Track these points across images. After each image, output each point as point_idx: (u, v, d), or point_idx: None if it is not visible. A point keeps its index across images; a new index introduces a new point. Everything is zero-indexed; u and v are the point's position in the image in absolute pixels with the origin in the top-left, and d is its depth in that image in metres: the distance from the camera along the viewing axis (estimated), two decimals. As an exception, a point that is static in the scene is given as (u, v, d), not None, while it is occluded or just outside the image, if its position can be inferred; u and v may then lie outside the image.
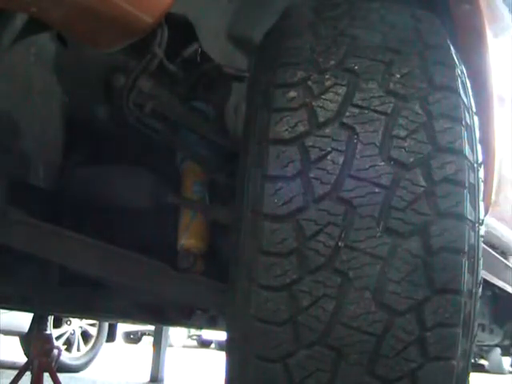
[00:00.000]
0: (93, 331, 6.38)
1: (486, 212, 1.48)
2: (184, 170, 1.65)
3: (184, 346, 18.05)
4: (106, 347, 6.80)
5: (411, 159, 1.04)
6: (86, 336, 6.36)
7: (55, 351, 3.92)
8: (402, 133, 1.05)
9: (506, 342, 3.81)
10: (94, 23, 0.96)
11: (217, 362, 9.52)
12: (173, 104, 1.56)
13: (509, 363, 10.98)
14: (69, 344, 6.18)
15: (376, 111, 1.06)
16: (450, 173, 1.04)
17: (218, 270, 1.61)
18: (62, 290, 2.00)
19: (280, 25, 1.22)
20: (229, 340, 1.15)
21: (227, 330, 1.18)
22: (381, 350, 0.99)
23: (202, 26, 1.55)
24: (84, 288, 2.01)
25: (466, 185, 1.05)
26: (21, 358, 5.80)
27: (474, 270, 1.08)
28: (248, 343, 1.02)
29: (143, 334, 17.41)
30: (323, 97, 1.07)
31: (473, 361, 1.18)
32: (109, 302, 2.23)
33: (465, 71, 1.20)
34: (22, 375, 3.74)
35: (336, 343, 0.99)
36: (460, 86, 1.12)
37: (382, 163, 1.03)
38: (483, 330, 3.45)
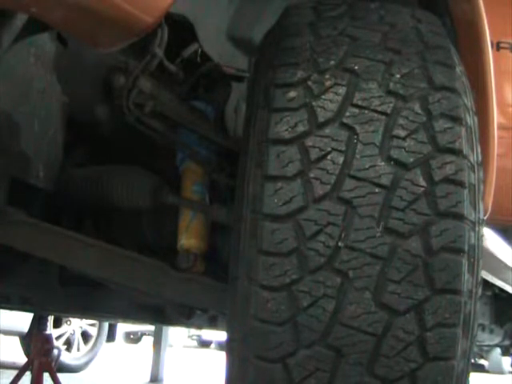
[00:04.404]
0: (93, 331, 6.38)
1: (486, 212, 1.48)
2: (184, 170, 1.65)
3: (184, 346, 18.07)
4: (106, 347, 6.81)
5: (411, 159, 1.04)
6: (86, 336, 6.36)
7: (55, 351, 3.93)
8: (402, 133, 1.05)
9: (506, 342, 3.82)
10: (94, 23, 0.95)
11: (217, 362, 9.53)
12: (173, 104, 1.56)
13: (509, 363, 10.98)
14: (69, 344, 6.19)
15: (376, 111, 1.06)
16: (450, 173, 1.04)
17: (218, 270, 1.61)
18: (62, 290, 2.00)
19: (280, 25, 1.22)
20: (229, 340, 1.15)
21: (227, 330, 1.18)
22: (381, 350, 0.99)
23: (202, 26, 1.55)
24: (84, 288, 2.01)
25: (466, 185, 1.05)
26: (21, 358, 5.81)
27: (474, 270, 1.08)
28: (248, 343, 1.02)
29: (143, 334, 17.43)
30: (323, 97, 1.07)
31: (473, 361, 1.18)
32: (109, 301, 2.23)
33: (465, 71, 1.20)
34: (22, 375, 3.75)
35: (336, 343, 0.99)
36: (460, 86, 1.12)
37: (382, 163, 1.03)
38: (483, 329, 3.46)
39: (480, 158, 1.19)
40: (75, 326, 6.24)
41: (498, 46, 2.06)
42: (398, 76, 1.09)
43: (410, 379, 0.99)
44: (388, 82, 1.08)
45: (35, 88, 1.45)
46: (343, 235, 1.01)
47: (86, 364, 6.35)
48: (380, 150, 1.04)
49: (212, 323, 2.50)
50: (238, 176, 1.27)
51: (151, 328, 10.28)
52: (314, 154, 1.04)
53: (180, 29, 1.51)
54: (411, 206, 1.02)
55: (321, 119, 1.05)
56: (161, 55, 1.45)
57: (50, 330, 5.45)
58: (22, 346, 6.06)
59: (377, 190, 1.02)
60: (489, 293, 3.22)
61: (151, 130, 1.54)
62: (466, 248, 1.03)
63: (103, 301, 2.21)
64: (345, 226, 1.01)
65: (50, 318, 5.50)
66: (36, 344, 3.72)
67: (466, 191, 1.04)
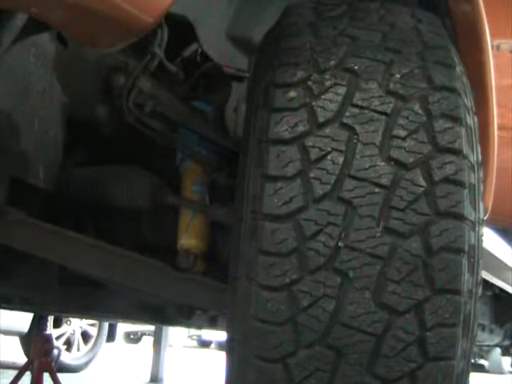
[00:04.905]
0: (93, 331, 6.38)
1: (486, 212, 1.48)
2: (184, 170, 1.66)
3: (184, 346, 18.08)
4: (106, 347, 6.81)
5: (411, 159, 1.04)
6: (86, 336, 6.36)
7: (55, 351, 3.93)
8: (402, 133, 1.05)
9: (506, 342, 3.82)
10: (94, 23, 0.96)
11: (217, 362, 9.54)
12: (173, 104, 1.56)
13: (509, 363, 10.99)
14: (69, 344, 6.19)
15: (376, 111, 1.06)
16: (450, 173, 1.04)
17: (218, 270, 1.61)
18: (61, 290, 2.00)
19: (280, 25, 1.22)
20: (229, 340, 1.15)
21: (227, 330, 1.18)
22: (381, 350, 0.99)
23: (202, 26, 1.55)
24: (84, 288, 2.01)
25: (466, 185, 1.05)
26: (21, 358, 5.81)
27: (474, 270, 1.08)
28: (248, 343, 1.02)
29: (143, 334, 17.44)
30: (323, 97, 1.07)
31: (473, 361, 1.18)
32: (109, 301, 2.23)
33: (465, 71, 1.20)
34: (22, 375, 3.75)
35: (336, 343, 0.99)
36: (460, 86, 1.12)
37: (382, 163, 1.03)
38: (483, 329, 3.46)
39: (480, 158, 1.19)
40: (75, 325, 6.24)
41: (498, 48, 2.06)
42: (398, 76, 1.09)
43: (410, 379, 0.99)
44: (388, 82, 1.08)
45: (35, 88, 1.45)
46: (343, 235, 1.01)
47: (86, 364, 6.35)
48: (380, 149, 1.04)
49: (212, 323, 2.50)
50: (238, 176, 1.27)
51: (151, 328, 10.29)
52: (314, 154, 1.04)
53: (180, 29, 1.51)
54: (411, 205, 1.02)
55: (321, 119, 1.05)
56: (161, 55, 1.45)
57: (50, 330, 5.45)
58: (22, 346, 6.06)
59: (377, 190, 1.02)
60: (489, 293, 3.22)
61: (151, 130, 1.54)
62: (466, 248, 1.03)
63: (103, 301, 2.21)
64: (345, 226, 1.01)
65: (50, 318, 5.50)
66: (36, 344, 3.72)
67: (465, 191, 1.04)
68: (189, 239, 1.60)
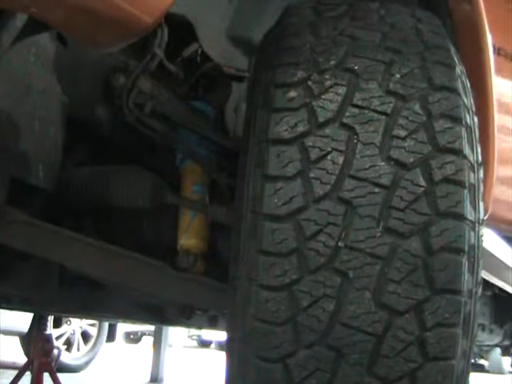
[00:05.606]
0: (93, 331, 6.38)
1: (486, 212, 1.48)
2: (184, 169, 1.66)
3: (184, 346, 18.08)
4: (106, 347, 6.81)
5: (411, 159, 1.04)
6: (86, 336, 6.36)
7: (55, 351, 3.93)
8: (402, 133, 1.05)
9: (506, 342, 3.81)
10: (94, 23, 0.96)
11: (217, 362, 9.53)
12: (173, 104, 1.56)
13: (509, 363, 10.98)
14: (69, 344, 6.19)
15: (376, 111, 1.06)
16: (450, 173, 1.04)
17: (218, 270, 1.61)
18: (62, 290, 1.99)
19: (280, 25, 1.22)
20: (229, 340, 1.15)
21: (227, 330, 1.18)
22: (381, 350, 0.99)
23: (202, 26, 1.55)
24: (84, 288, 2.01)
25: (466, 185, 1.05)
26: (21, 358, 5.81)
27: (474, 270, 1.08)
28: (248, 343, 1.02)
29: (143, 334, 17.43)
30: (323, 97, 1.07)
31: (473, 361, 1.18)
32: (109, 301, 2.23)
33: (465, 71, 1.20)
34: (22, 375, 3.75)
35: (336, 343, 0.99)
36: (460, 86, 1.12)
37: (382, 163, 1.03)
38: (483, 329, 3.45)
39: (480, 158, 1.19)
40: (75, 325, 6.24)
41: (498, 52, 2.06)
42: (398, 76, 1.09)
43: (410, 379, 0.99)
44: (388, 82, 1.08)
45: (35, 88, 1.45)
46: (343, 235, 1.01)
47: (86, 364, 6.35)
48: (380, 149, 1.04)
49: (212, 323, 2.51)
50: (238, 176, 1.27)
51: (151, 328, 10.28)
52: (314, 154, 1.04)
53: (180, 29, 1.51)
54: (411, 206, 1.02)
55: (321, 119, 1.05)
56: (161, 55, 1.45)
57: (50, 330, 5.45)
58: (22, 346, 6.06)
59: (377, 190, 1.02)
60: (489, 293, 3.21)
61: (151, 130, 1.54)
62: (466, 248, 1.03)
63: (103, 301, 2.21)
64: (345, 226, 1.01)
65: (50, 318, 5.50)
66: (36, 344, 3.72)
67: (465, 191, 1.04)
68: (189, 239, 1.60)
